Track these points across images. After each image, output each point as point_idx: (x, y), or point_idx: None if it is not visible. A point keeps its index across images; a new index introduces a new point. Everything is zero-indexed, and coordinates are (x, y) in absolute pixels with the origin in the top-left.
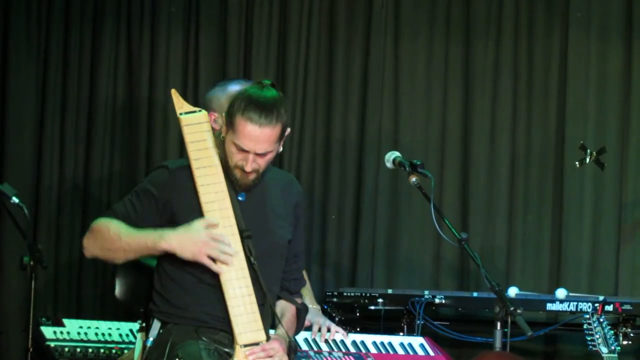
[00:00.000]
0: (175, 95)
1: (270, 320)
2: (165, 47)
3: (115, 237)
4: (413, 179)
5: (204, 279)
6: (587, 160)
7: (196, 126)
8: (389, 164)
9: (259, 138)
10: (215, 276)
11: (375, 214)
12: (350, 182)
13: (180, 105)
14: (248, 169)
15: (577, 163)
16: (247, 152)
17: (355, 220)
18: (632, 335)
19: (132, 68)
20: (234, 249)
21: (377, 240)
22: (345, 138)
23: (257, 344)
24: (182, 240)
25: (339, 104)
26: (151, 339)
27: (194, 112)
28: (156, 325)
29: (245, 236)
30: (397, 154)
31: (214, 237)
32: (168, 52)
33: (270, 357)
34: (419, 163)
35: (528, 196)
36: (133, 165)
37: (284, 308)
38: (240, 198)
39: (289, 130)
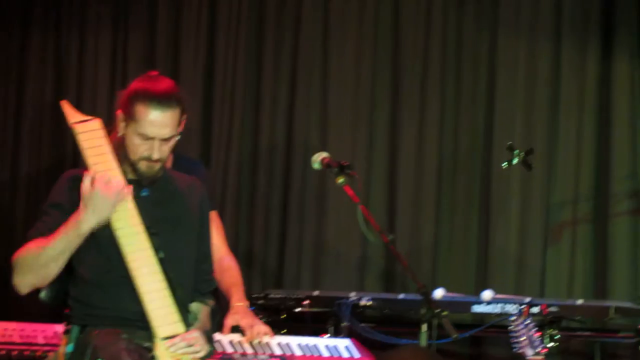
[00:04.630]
0: (66, 106)
1: (185, 313)
2: (94, 47)
3: (39, 252)
4: (340, 180)
5: (118, 273)
6: (515, 161)
7: (91, 133)
8: (316, 165)
9: (162, 122)
10: (127, 269)
11: (302, 215)
12: (277, 183)
13: (72, 115)
14: (156, 155)
15: (504, 164)
16: (152, 139)
17: (281, 222)
18: (557, 337)
19: (61, 68)
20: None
21: (303, 241)
22: (272, 139)
23: (175, 336)
24: (92, 209)
25: (267, 105)
26: (71, 344)
27: (87, 120)
28: (75, 330)
29: (151, 232)
30: (324, 154)
31: (104, 180)
32: (97, 52)
33: (191, 345)
34: (346, 164)
35: (455, 197)
36: (60, 165)
37: (197, 309)
38: (144, 193)
39: (185, 116)
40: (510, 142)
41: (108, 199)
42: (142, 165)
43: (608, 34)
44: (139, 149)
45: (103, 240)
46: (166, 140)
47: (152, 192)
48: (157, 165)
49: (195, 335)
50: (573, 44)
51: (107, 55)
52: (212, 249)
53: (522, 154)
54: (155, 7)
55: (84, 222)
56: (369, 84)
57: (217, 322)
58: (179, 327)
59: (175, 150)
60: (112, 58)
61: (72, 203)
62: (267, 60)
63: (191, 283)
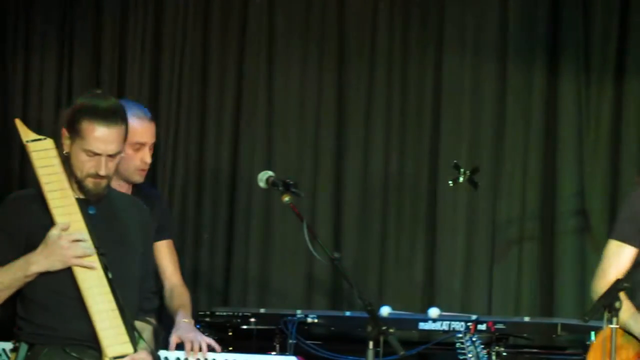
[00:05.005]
0: (19, 124)
1: (133, 333)
2: (39, 68)
3: None
4: (286, 198)
5: (67, 294)
6: (461, 179)
7: (44, 152)
8: (262, 184)
9: (108, 139)
10: (77, 290)
11: (248, 233)
12: (223, 201)
13: (25, 133)
14: (103, 172)
15: (450, 182)
16: (98, 155)
17: (228, 240)
18: (505, 354)
19: (6, 89)
20: (92, 250)
21: (250, 259)
22: (218, 157)
23: (125, 355)
24: (47, 255)
25: (212, 124)
26: None
27: (40, 139)
28: (24, 348)
29: (100, 253)
30: (270, 173)
31: (73, 238)
32: (42, 73)
33: None
34: (292, 182)
35: (401, 215)
36: (6, 186)
37: (142, 328)
38: (91, 212)
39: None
40: (456, 161)
41: (66, 256)
42: (89, 183)
43: (554, 53)
44: (85, 165)
45: None
46: (112, 156)
47: (98, 210)
48: (104, 182)
49: (144, 356)
50: (519, 63)
51: (52, 76)
52: (154, 268)
53: (468, 172)
54: (100, 30)
55: (34, 264)
56: (314, 103)
57: (160, 342)
58: (128, 348)
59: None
60: (57, 79)
61: (17, 227)
62: (212, 80)
63: (137, 302)
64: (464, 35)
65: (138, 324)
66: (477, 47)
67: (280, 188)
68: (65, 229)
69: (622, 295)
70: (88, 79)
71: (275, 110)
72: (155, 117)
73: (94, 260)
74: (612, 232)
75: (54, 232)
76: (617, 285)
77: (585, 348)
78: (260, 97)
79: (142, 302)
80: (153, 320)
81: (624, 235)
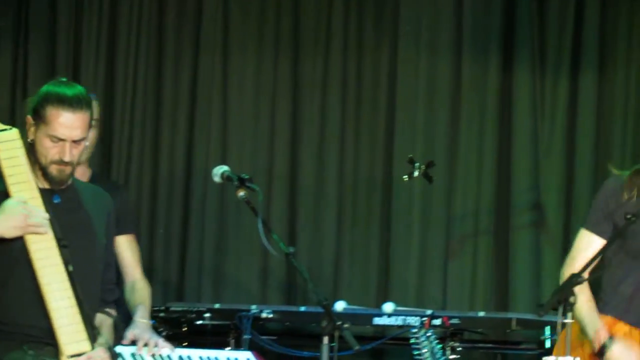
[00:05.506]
0: None
1: (92, 330)
2: None
3: None
4: (241, 193)
5: (25, 288)
6: (416, 174)
7: (8, 143)
8: (216, 178)
9: (74, 124)
10: (36, 285)
11: (202, 228)
12: (177, 196)
13: None
14: (67, 158)
15: (405, 177)
16: (63, 141)
17: (182, 235)
18: (459, 349)
19: None
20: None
21: (204, 254)
22: (173, 152)
23: (82, 353)
24: (2, 220)
25: (168, 117)
26: None
27: (5, 129)
28: None
29: (61, 245)
30: (225, 168)
31: (30, 209)
32: None
33: None
34: (246, 177)
35: (356, 210)
36: None
37: (101, 320)
38: (55, 201)
39: (94, 123)
40: (411, 155)
41: (23, 222)
42: (53, 170)
43: (508, 49)
44: (50, 152)
45: (12, 254)
46: (77, 142)
47: (63, 200)
48: (68, 169)
49: (102, 354)
50: (473, 58)
51: (7, 68)
52: (114, 261)
53: (423, 166)
54: (55, 20)
55: None
56: (269, 97)
57: (120, 334)
58: (86, 345)
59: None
60: (12, 70)
61: None
62: (167, 78)
63: (98, 293)
64: (419, 28)
65: (98, 316)
66: (432, 41)
67: (235, 183)
68: (22, 201)
69: (582, 288)
70: (43, 68)
71: (230, 104)
72: (110, 109)
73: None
74: (584, 221)
75: (13, 200)
76: (572, 280)
77: (539, 343)
78: (215, 90)
79: (103, 293)
80: (113, 312)
81: (593, 225)
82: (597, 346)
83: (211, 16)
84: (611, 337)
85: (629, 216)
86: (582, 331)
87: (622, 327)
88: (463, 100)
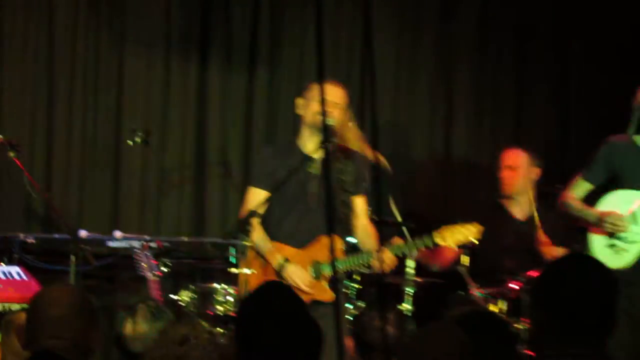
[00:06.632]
0: None
1: None
2: None
3: None
4: (12, 154)
5: None
6: (137, 139)
7: None
8: None
9: None
10: None
11: None
12: None
13: None
14: None
15: (129, 142)
16: None
17: None
18: (169, 264)
19: None
20: None
21: None
22: None
23: None
24: None
25: None
26: None
27: None
28: None
29: None
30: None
31: None
32: None
33: None
34: (14, 142)
35: (95, 163)
36: None
37: None
38: None
39: None
40: (134, 127)
41: None
42: None
43: (205, 48)
44: None
45: None
46: None
47: None
48: None
49: None
50: (180, 55)
51: None
52: None
53: (143, 134)
54: None
55: None
56: (38, 74)
57: None
58: None
59: None
60: None
61: None
62: None
63: None
64: (141, 30)
65: None
66: (151, 40)
67: (7, 147)
68: None
69: (255, 224)
70: None
71: (3, 72)
72: None
73: None
74: (251, 180)
75: None
76: (248, 215)
77: (226, 259)
78: None
79: None
80: None
81: (257, 183)
82: (274, 263)
83: None
84: (286, 259)
85: (288, 172)
86: (259, 252)
87: (289, 250)
88: (172, 87)
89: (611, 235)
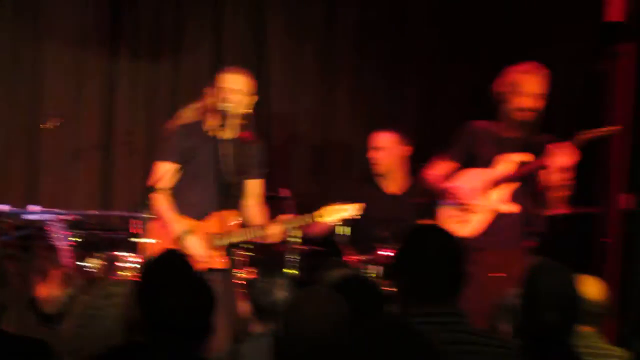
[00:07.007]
0: None
1: None
2: None
3: None
4: None
5: None
6: (49, 123)
7: None
8: None
9: None
10: None
11: None
12: None
13: None
14: None
15: (43, 125)
16: None
17: None
18: (80, 234)
19: None
20: None
21: None
22: None
23: None
24: None
25: None
26: None
27: None
28: None
29: None
30: None
31: None
32: None
33: None
34: None
35: (33, 143)
36: None
37: None
38: None
39: None
40: (50, 112)
41: None
42: None
43: (115, 39)
44: None
45: None
46: None
47: None
48: None
49: None
50: (92, 46)
51: None
52: None
53: (57, 118)
54: None
55: None
56: None
57: None
58: None
59: None
60: None
61: None
62: None
63: None
64: (60, 24)
65: None
66: (66, 32)
67: None
68: None
69: (163, 196)
70: None
71: None
72: None
73: None
74: (160, 155)
75: None
76: (149, 189)
77: (129, 230)
78: None
79: None
80: None
81: (168, 157)
82: (175, 233)
83: None
84: (186, 230)
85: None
86: (165, 223)
87: (190, 221)
88: (88, 74)
89: (458, 206)
